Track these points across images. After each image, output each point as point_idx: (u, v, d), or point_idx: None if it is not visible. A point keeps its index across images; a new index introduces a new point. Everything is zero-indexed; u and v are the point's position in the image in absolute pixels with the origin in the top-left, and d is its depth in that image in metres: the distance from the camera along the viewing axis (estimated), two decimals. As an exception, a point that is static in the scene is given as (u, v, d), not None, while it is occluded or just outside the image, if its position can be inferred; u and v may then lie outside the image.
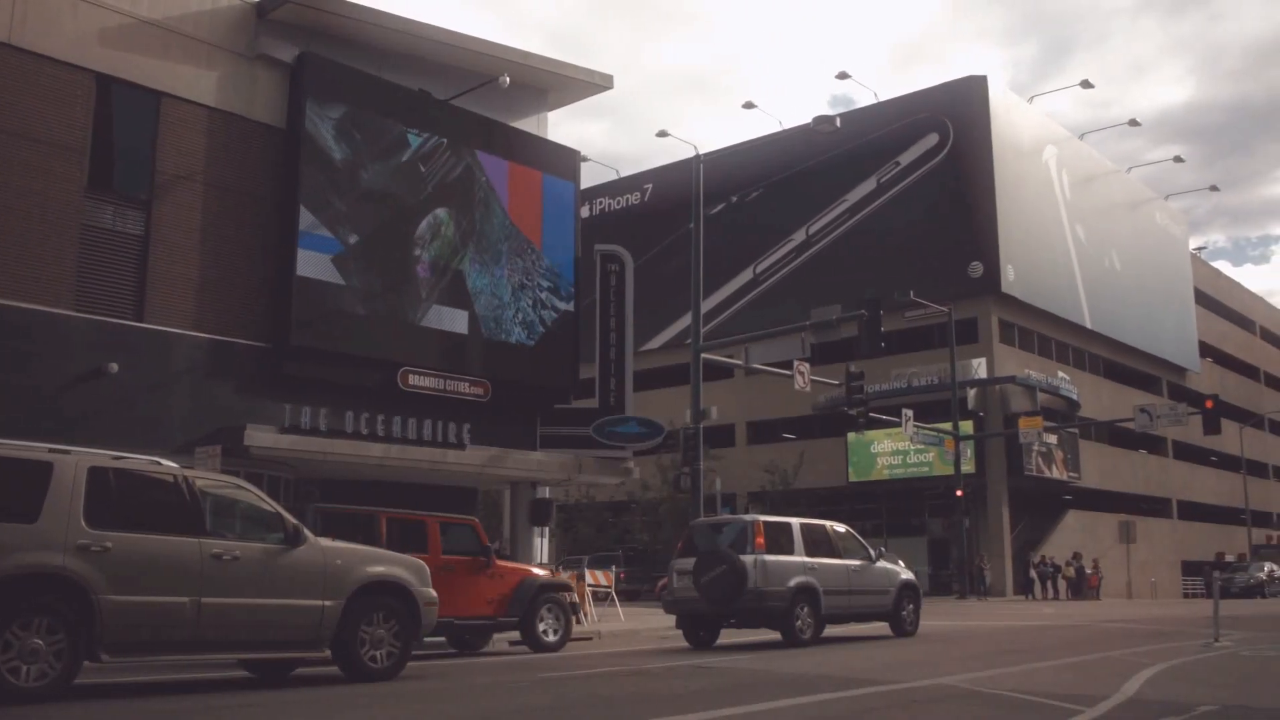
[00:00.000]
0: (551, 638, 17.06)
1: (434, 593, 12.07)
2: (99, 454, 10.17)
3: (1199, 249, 75.69)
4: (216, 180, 23.41)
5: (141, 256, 22.22)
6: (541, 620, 17.11)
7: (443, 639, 17.08)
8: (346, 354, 24.67)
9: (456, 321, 26.88)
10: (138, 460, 10.43)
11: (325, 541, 11.22)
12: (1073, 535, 50.39)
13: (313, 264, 24.18)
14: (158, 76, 22.64)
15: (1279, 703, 9.24)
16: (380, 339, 25.29)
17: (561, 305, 29.45)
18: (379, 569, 11.49)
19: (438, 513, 17.50)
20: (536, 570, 18.29)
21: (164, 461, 10.65)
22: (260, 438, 22.22)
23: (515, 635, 17.57)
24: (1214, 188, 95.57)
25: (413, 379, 25.65)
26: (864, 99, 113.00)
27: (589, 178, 46.14)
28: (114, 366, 21.07)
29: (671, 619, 18.69)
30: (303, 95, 24.59)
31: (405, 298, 25.96)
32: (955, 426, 43.75)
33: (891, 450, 49.61)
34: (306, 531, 10.98)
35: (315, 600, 10.79)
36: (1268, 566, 53.32)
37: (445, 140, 27.23)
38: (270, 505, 11.06)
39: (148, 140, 22.56)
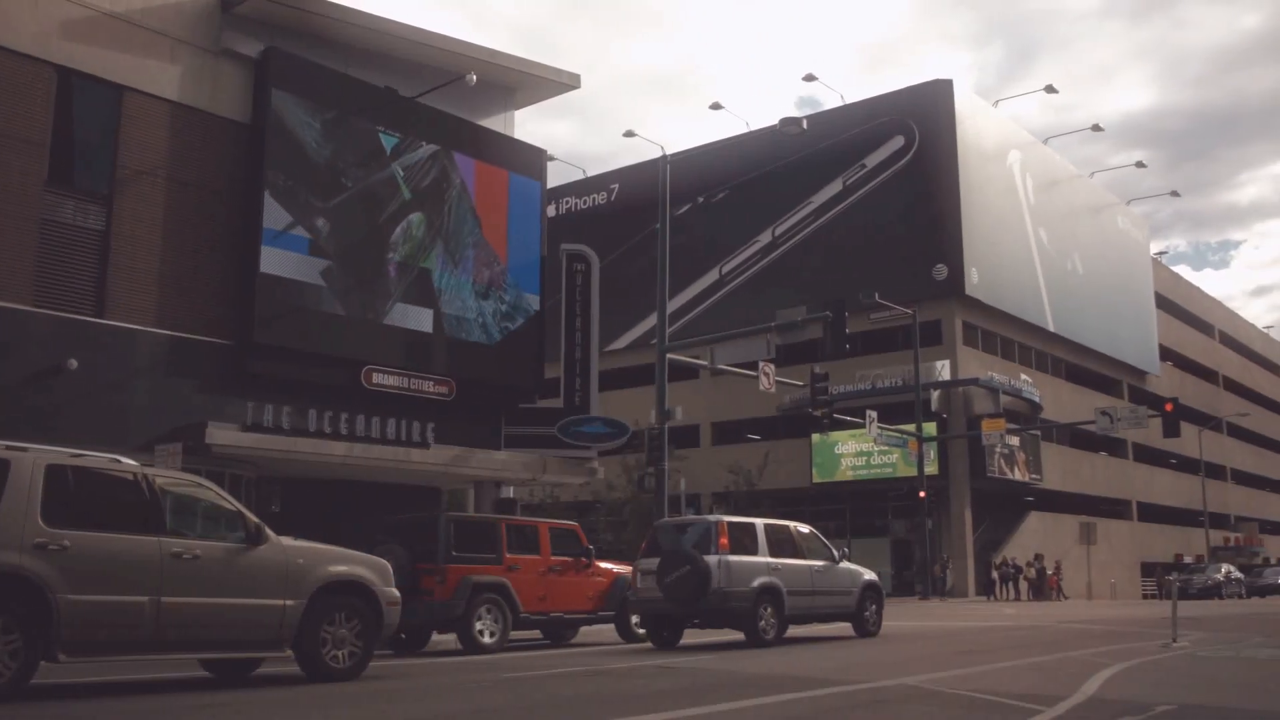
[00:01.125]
0: (643, 630, 17.57)
1: (396, 592, 12.00)
2: (57, 451, 10.04)
3: (1160, 253, 76.52)
4: (179, 175, 23.21)
5: (102, 252, 22.00)
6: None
7: (538, 633, 18.87)
8: (310, 352, 24.52)
9: (421, 320, 26.78)
10: (97, 458, 10.31)
11: (287, 540, 11.13)
12: (1034, 536, 50.79)
13: (277, 261, 24.03)
14: (120, 70, 22.41)
15: (1235, 703, 9.33)
16: (344, 337, 25.16)
17: (527, 304, 29.40)
18: (341, 568, 11.41)
19: (546, 519, 19.17)
20: (628, 570, 18.91)
21: (124, 459, 10.54)
22: (222, 436, 22.05)
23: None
24: (1175, 193, 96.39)
25: (377, 377, 25.53)
26: (831, 101, 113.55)
27: (555, 177, 46.08)
28: (73, 363, 20.85)
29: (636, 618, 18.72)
30: (268, 91, 24.41)
31: (370, 295, 25.83)
32: (919, 428, 43.99)
33: (855, 451, 49.83)
34: (268, 530, 10.89)
35: (277, 600, 10.70)
36: (1224, 568, 54.02)
37: (414, 138, 27.13)
38: (231, 504, 10.96)
39: (109, 134, 22.34)
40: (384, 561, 12.18)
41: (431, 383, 26.69)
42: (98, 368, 21.37)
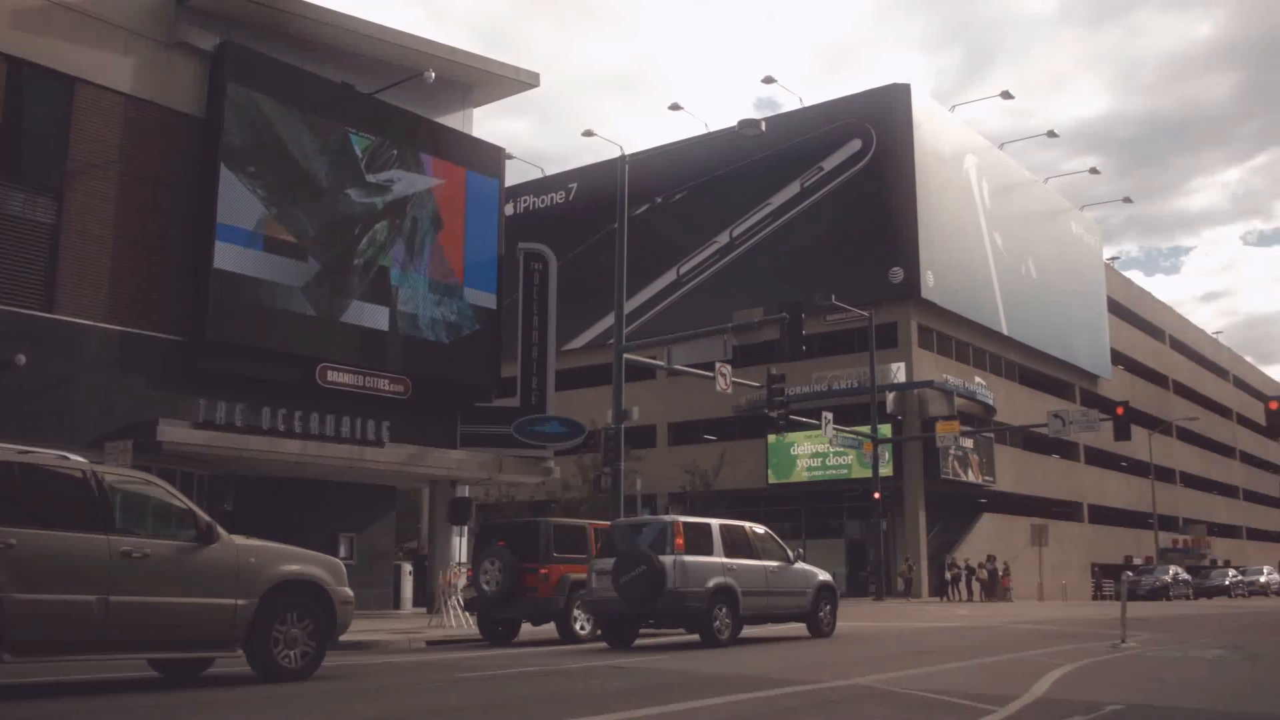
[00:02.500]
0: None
1: (350, 592, 11.90)
2: (4, 448, 9.88)
3: (1112, 259, 77.40)
4: (132, 169, 22.94)
5: (52, 245, 21.71)
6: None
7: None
8: (264, 349, 24.32)
9: (378, 318, 26.63)
10: (45, 455, 10.15)
11: (239, 539, 11.01)
12: (987, 538, 51.21)
13: (231, 257, 23.80)
14: (72, 61, 22.13)
15: (1181, 702, 9.44)
16: (299, 334, 24.97)
17: (484, 303, 29.29)
18: (294, 567, 11.29)
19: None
20: None
21: (72, 456, 10.38)
22: (173, 433, 21.81)
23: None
24: (1127, 199, 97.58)
25: (332, 375, 25.36)
26: (789, 103, 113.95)
27: (514, 176, 46.02)
28: (21, 358, 20.56)
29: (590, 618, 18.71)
30: (223, 84, 24.19)
31: (326, 293, 25.65)
32: (874, 430, 44.24)
33: (811, 453, 50.06)
34: (219, 529, 10.76)
35: (228, 599, 10.58)
36: (1172, 569, 54.74)
37: (373, 135, 26.95)
38: (182, 502, 10.82)
39: (61, 127, 22.05)
40: (337, 561, 12.08)
41: (387, 381, 26.54)
42: (47, 363, 21.08)
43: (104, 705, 9.49)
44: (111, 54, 22.83)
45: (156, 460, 21.20)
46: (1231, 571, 61.52)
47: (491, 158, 30.58)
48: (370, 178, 26.91)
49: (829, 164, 52.67)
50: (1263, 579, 61.20)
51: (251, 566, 10.85)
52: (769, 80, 53.80)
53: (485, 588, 18.61)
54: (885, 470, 45.80)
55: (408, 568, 31.22)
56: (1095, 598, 49.44)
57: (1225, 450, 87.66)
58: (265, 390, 24.17)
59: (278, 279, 24.66)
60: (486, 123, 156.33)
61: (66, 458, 10.28)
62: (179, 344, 23.38)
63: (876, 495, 44.29)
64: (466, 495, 30.28)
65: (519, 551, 18.48)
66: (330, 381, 25.34)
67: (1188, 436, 78.09)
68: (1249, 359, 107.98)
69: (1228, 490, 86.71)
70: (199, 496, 22.33)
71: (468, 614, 21.49)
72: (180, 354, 23.37)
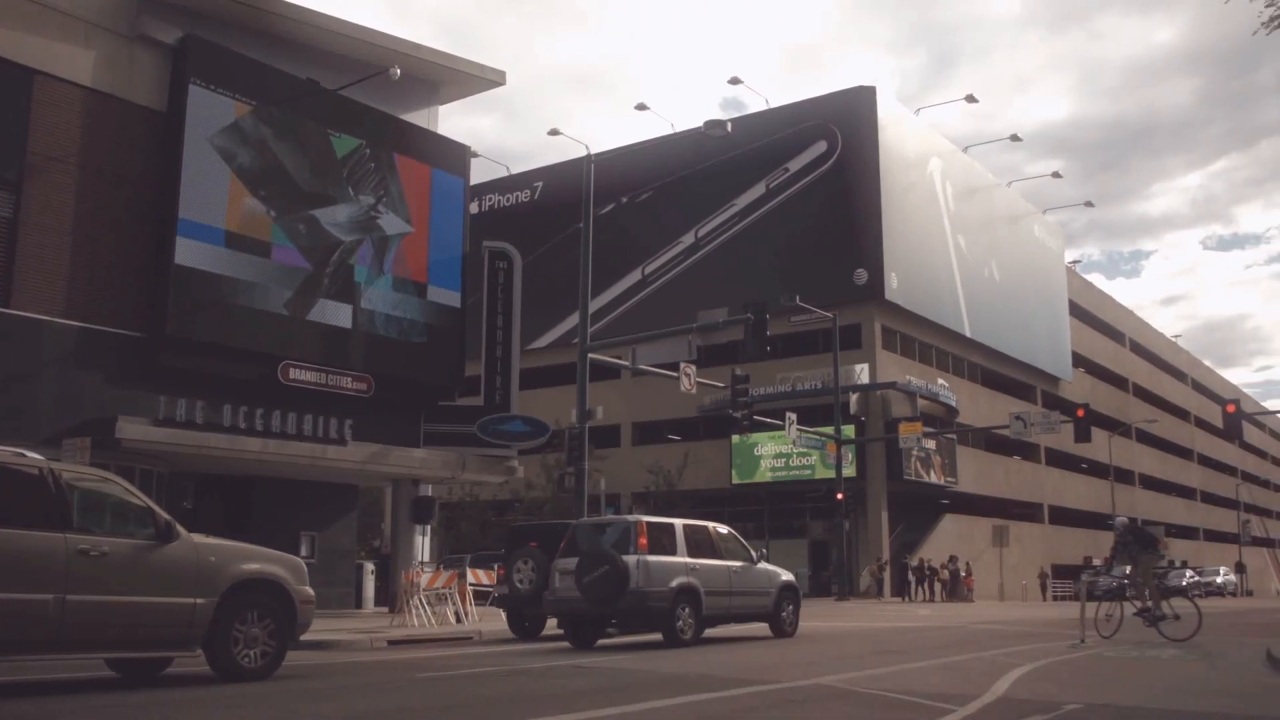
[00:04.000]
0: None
1: (311, 591, 11.82)
2: (-41, 444, 9.74)
3: (1074, 262, 78.19)
4: (92, 163, 22.69)
5: (10, 240, 21.43)
6: None
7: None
8: (225, 346, 24.11)
9: (341, 316, 26.46)
10: (1, 451, 10.01)
11: (199, 538, 10.91)
12: (949, 538, 51.54)
13: (192, 253, 23.58)
14: (31, 53, 21.85)
15: (1139, 701, 9.52)
16: (261, 331, 24.77)
17: (448, 302, 29.17)
18: (254, 566, 11.20)
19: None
20: None
21: (29, 453, 10.24)
22: (133, 430, 21.58)
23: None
24: (1089, 203, 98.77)
25: (294, 373, 25.18)
26: (755, 104, 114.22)
27: (479, 174, 45.87)
28: (-22, 354, 20.27)
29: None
30: (185, 78, 23.96)
31: (289, 290, 25.45)
32: (837, 430, 44.42)
33: (775, 453, 50.20)
34: (179, 527, 10.66)
35: (187, 598, 10.47)
36: (1130, 570, 55.18)
37: (339, 132, 26.79)
38: (141, 500, 10.70)
39: (19, 119, 21.76)
40: (298, 560, 12.00)
41: (350, 379, 26.38)
42: (3, 359, 20.82)
43: (60, 706, 9.37)
44: (72, 46, 22.56)
45: (115, 458, 20.98)
46: (1189, 572, 62.14)
47: (457, 156, 30.46)
48: (337, 175, 26.73)
49: (794, 165, 52.85)
50: (1219, 580, 61.89)
51: (211, 565, 10.75)
52: (735, 81, 53.85)
53: (519, 586, 19.36)
54: (848, 471, 46.00)
55: (370, 567, 31.08)
56: (1044, 599, 49.78)
57: (1183, 452, 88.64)
58: (226, 387, 23.97)
59: (240, 275, 24.45)
60: (452, 119, 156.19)
61: (23, 454, 10.15)
62: (139, 340, 23.14)
63: (840, 496, 44.48)
64: (429, 494, 30.17)
65: (551, 552, 18.61)
66: (292, 379, 25.15)
67: (1147, 439, 78.90)
68: (1207, 362, 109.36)
69: (1185, 492, 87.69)
70: (158, 494, 22.08)
71: (498, 610, 22.18)
72: (140, 350, 23.13)
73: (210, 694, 10.17)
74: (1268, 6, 11.72)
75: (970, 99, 57.15)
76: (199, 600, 10.55)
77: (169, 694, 10.20)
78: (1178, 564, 71.51)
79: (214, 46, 24.58)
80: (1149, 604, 17.90)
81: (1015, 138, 62.46)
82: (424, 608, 21.68)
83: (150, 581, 10.28)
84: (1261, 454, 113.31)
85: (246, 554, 11.31)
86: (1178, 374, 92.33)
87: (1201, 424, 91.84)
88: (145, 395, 22.66)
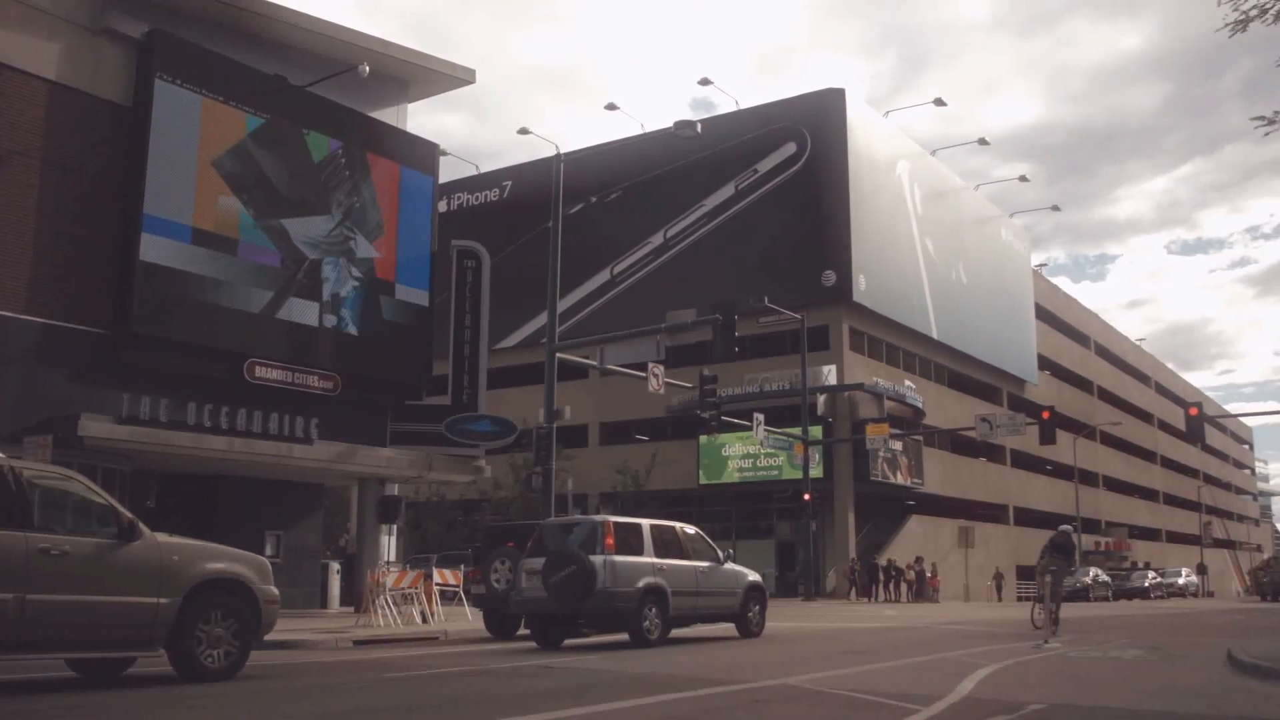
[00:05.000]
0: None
1: (276, 590, 11.74)
2: (-83, 441, 9.62)
3: (1040, 265, 78.76)
4: (56, 158, 22.45)
5: (-29, 235, 21.17)
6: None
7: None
8: (191, 343, 23.92)
9: (308, 313, 26.29)
10: (-40, 449, 9.89)
11: (162, 537, 10.81)
12: (915, 539, 51.78)
13: (158, 249, 23.38)
14: (-6, 46, 21.58)
15: (1101, 701, 9.60)
16: (227, 329, 24.58)
17: (416, 300, 29.05)
18: (218, 566, 11.12)
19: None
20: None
21: (-11, 450, 10.13)
22: (95, 428, 21.37)
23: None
24: (1056, 207, 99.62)
25: (260, 371, 25.01)
26: (725, 105, 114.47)
27: (448, 172, 45.73)
28: (-62, 350, 20.01)
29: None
30: (151, 73, 23.75)
31: (255, 287, 25.27)
32: (805, 431, 44.54)
33: (742, 454, 50.27)
34: (142, 526, 10.56)
35: (149, 598, 10.38)
36: (1093, 571, 55.77)
37: (306, 128, 26.62)
38: (103, 498, 10.60)
39: (-18, 113, 21.49)
40: (263, 559, 11.92)
41: (316, 377, 26.22)
42: (-36, 355, 20.56)
43: (19, 707, 9.27)
44: (36, 39, 22.31)
45: (78, 456, 20.76)
46: (1151, 574, 62.75)
47: (426, 154, 30.34)
48: (306, 171, 26.56)
49: (764, 167, 52.95)
50: (1181, 581, 62.53)
51: (174, 565, 10.66)
52: (705, 82, 53.90)
53: (496, 585, 19.51)
54: (815, 472, 46.13)
55: (335, 566, 30.91)
56: (999, 599, 50.08)
57: (1147, 455, 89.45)
58: (191, 385, 23.77)
59: (206, 273, 24.25)
60: (421, 117, 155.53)
61: (-17, 452, 10.03)
62: (103, 337, 22.92)
63: (807, 496, 44.60)
64: (396, 494, 30.06)
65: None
66: (258, 377, 24.98)
67: (1111, 441, 79.56)
68: (1171, 366, 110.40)
69: (1149, 494, 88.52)
70: (121, 493, 21.87)
71: (465, 610, 22.32)
72: (104, 347, 22.91)
73: (172, 694, 10.08)
74: (1227, 5, 11.83)
75: (939, 102, 57.47)
76: (162, 600, 10.46)
77: (131, 695, 10.11)
78: (1140, 565, 72.25)
79: (180, 41, 24.37)
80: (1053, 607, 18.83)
81: (983, 141, 62.95)
82: (390, 608, 21.58)
83: (112, 581, 10.18)
84: (1223, 457, 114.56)
85: (210, 553, 11.23)
86: (1141, 377, 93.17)
87: (1164, 427, 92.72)
88: (109, 392, 22.43)
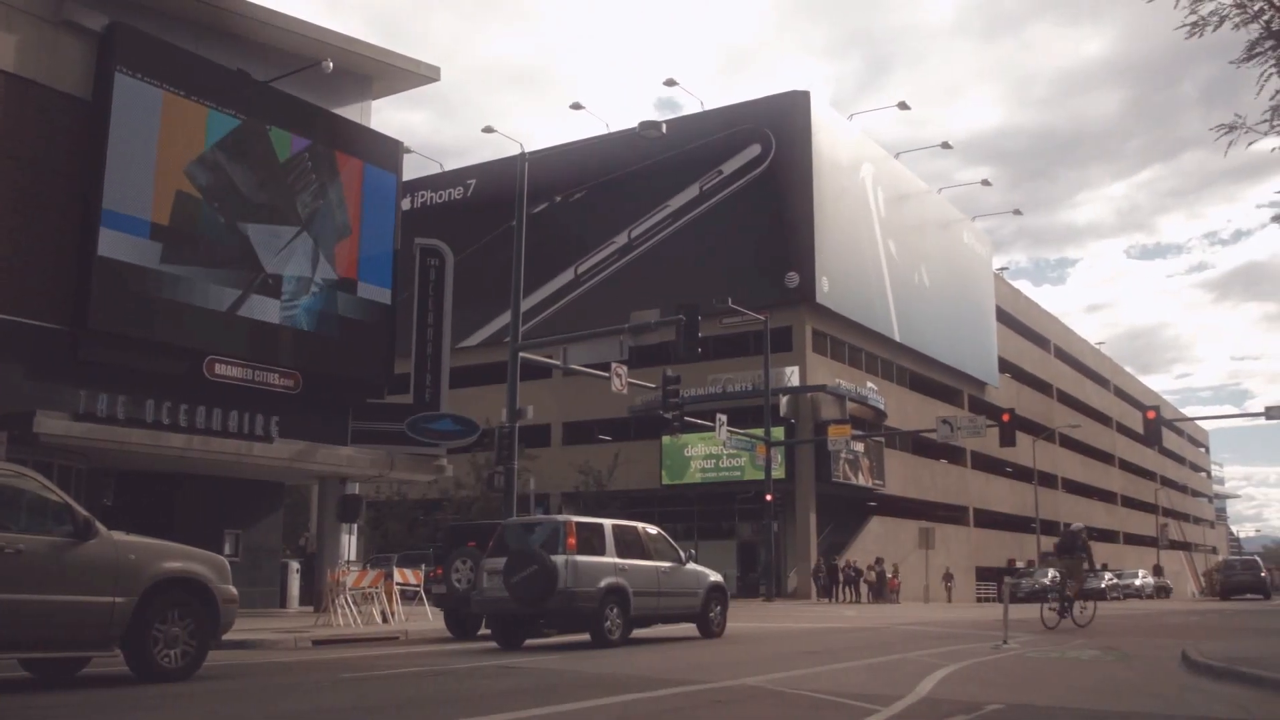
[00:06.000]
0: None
1: (234, 590, 11.64)
2: None
3: (1002, 269, 79.31)
4: (12, 151, 22.16)
5: (-74, 228, 20.86)
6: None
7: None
8: (149, 340, 23.68)
9: (268, 310, 26.09)
10: (-88, 445, 9.75)
11: (119, 535, 10.69)
12: (876, 540, 52.04)
13: (117, 244, 23.12)
14: (-49, 38, 21.28)
15: (1059, 701, 9.67)
16: (186, 325, 24.35)
17: (378, 299, 28.89)
18: (176, 565, 11.01)
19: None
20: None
21: (-59, 447, 9.99)
22: (51, 425, 21.12)
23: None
24: (1017, 211, 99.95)
25: (220, 368, 24.79)
26: (690, 106, 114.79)
27: (411, 170, 45.49)
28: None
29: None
30: (111, 66, 23.49)
31: (216, 283, 25.04)
32: (767, 432, 44.66)
33: (705, 454, 50.35)
34: (98, 524, 10.44)
35: (105, 597, 10.26)
36: (1050, 572, 56.14)
37: (270, 124, 26.42)
38: (58, 496, 10.47)
39: (-63, 105, 21.18)
40: (222, 559, 11.81)
41: (277, 375, 26.03)
42: (-83, 350, 20.26)
43: (-30, 706, 9.15)
44: (-7, 31, 22.01)
45: (33, 453, 20.50)
46: (1108, 575, 63.30)
47: (389, 151, 30.18)
48: (268, 167, 26.35)
49: (728, 168, 53.08)
50: (1138, 583, 63.07)
51: (131, 564, 10.54)
52: (670, 83, 53.85)
53: (457, 585, 19.38)
54: (778, 473, 46.28)
55: (295, 565, 30.72)
56: (949, 600, 50.43)
57: (1105, 457, 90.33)
58: (150, 382, 23.52)
59: (165, 268, 24.00)
60: (384, 114, 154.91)
61: (-65, 449, 9.89)
62: (59, 333, 22.64)
63: (769, 497, 44.72)
64: (356, 493, 29.89)
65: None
66: (218, 374, 24.76)
67: (1070, 443, 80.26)
68: (1129, 369, 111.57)
69: (1107, 496, 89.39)
70: (78, 491, 21.64)
71: (425, 610, 22.16)
72: (61, 343, 22.63)
73: (128, 694, 9.98)
74: (1184, 8, 11.96)
75: (903, 106, 57.80)
76: (118, 599, 10.34)
77: (85, 695, 9.99)
78: (1099, 567, 72.92)
79: (141, 35, 24.12)
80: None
81: (946, 145, 63.24)
82: (350, 607, 21.45)
83: (67, 580, 10.06)
84: (1180, 460, 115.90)
85: (168, 552, 11.12)
86: (1100, 380, 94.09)
87: (1123, 430, 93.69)
88: (65, 389, 22.17)
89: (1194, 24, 11.91)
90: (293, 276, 26.69)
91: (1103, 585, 59.21)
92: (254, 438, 24.87)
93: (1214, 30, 11.84)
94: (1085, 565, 22.25)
